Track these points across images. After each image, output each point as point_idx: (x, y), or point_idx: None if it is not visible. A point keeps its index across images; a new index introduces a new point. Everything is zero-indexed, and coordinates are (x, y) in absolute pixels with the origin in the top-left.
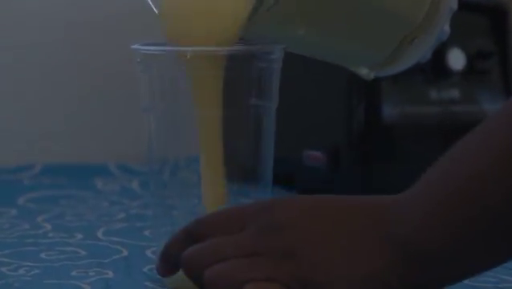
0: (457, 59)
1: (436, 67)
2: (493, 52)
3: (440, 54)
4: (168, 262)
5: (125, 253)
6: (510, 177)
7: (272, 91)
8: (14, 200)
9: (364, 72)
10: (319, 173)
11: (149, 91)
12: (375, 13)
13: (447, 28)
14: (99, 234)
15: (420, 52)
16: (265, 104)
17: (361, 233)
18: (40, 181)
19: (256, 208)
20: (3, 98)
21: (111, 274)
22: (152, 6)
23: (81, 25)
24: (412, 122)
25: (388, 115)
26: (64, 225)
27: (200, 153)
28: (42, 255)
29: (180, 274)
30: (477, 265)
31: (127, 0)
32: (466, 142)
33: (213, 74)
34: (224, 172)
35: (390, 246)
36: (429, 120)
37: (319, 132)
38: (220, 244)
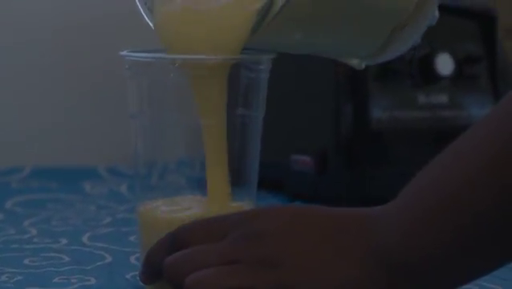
0: (445, 64)
1: (424, 71)
2: (481, 57)
3: (428, 59)
4: (151, 269)
5: (109, 259)
6: (500, 182)
7: (259, 101)
8: (1, 203)
9: (355, 62)
10: (307, 178)
11: (137, 98)
12: (369, 8)
13: (436, 13)
14: (85, 239)
15: (410, 39)
16: (251, 114)
17: (346, 243)
18: (28, 184)
19: (239, 217)
20: None
21: (93, 280)
22: (147, 20)
23: (70, 28)
24: (401, 126)
25: (376, 119)
26: (50, 229)
27: (205, 154)
28: (26, 261)
29: (163, 281)
30: (467, 272)
31: (115, 4)
32: (455, 148)
33: (202, 82)
34: (228, 172)
35: (374, 258)
36: (418, 124)
37: (307, 136)
38: (202, 251)
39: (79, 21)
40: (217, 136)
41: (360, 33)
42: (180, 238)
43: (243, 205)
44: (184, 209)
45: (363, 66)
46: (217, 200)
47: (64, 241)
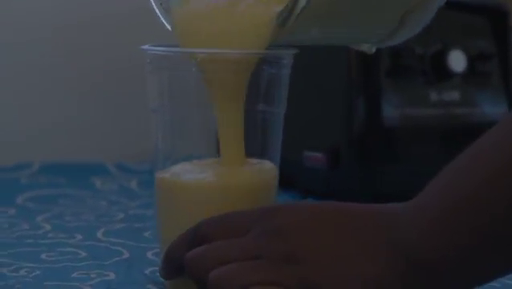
0: (458, 61)
1: (437, 68)
2: (493, 54)
3: (441, 55)
4: (172, 265)
5: (126, 254)
6: None
7: (280, 97)
8: (12, 199)
9: (366, 47)
10: (319, 174)
11: (158, 92)
12: None
13: None
14: (99, 235)
15: (420, 23)
16: (272, 110)
17: (367, 239)
18: (38, 180)
19: (261, 212)
20: (1, 96)
21: (112, 275)
22: (163, 19)
23: (79, 24)
24: (413, 124)
25: (389, 116)
26: (63, 225)
27: (217, 115)
28: (43, 256)
29: (183, 277)
30: (484, 273)
31: (116, 2)
32: (474, 149)
33: (223, 77)
34: (243, 131)
35: (395, 253)
36: (430, 121)
37: (320, 133)
38: (224, 247)
39: (89, 16)
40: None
41: (373, 20)
42: (200, 234)
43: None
44: (199, 172)
45: (374, 50)
46: (230, 161)
47: (79, 236)
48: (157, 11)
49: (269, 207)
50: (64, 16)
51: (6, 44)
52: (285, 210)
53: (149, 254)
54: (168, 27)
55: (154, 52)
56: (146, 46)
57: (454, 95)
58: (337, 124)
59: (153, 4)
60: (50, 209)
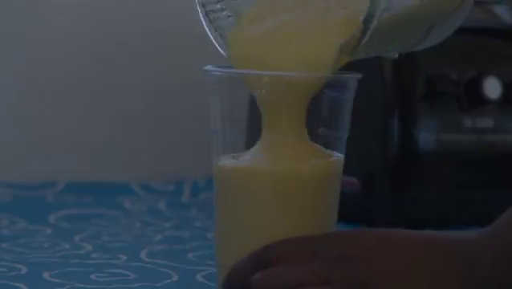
0: (492, 88)
1: (471, 95)
2: None
3: (476, 82)
4: (235, 287)
5: (175, 277)
6: None
7: (343, 122)
8: (44, 217)
9: (390, 54)
10: (354, 199)
11: (220, 114)
12: (424, 14)
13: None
14: (143, 256)
15: (442, 35)
16: (334, 134)
17: (438, 268)
18: (64, 199)
19: (329, 238)
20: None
21: None
22: (220, 48)
23: (104, 53)
24: (447, 150)
25: (423, 142)
26: (104, 245)
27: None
28: (93, 277)
29: None
30: None
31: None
32: None
33: (286, 99)
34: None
35: (468, 283)
36: (464, 148)
37: (354, 157)
38: (293, 270)
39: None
40: None
41: (411, 33)
42: (265, 257)
43: None
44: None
45: (397, 56)
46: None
47: (123, 257)
48: (212, 38)
49: (336, 233)
50: (100, 36)
51: (33, 59)
52: (354, 236)
53: (199, 277)
54: (223, 53)
55: (217, 73)
56: (209, 67)
57: (488, 122)
58: (372, 148)
59: (208, 31)
60: (84, 228)
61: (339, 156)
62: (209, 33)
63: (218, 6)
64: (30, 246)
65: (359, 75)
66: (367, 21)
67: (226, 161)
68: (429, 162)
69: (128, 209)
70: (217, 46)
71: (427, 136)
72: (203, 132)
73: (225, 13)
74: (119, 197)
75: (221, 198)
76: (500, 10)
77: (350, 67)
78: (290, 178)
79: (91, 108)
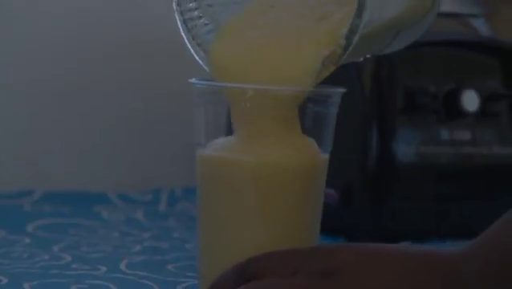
0: (470, 101)
1: (450, 107)
2: (505, 95)
3: (454, 95)
4: None
5: (157, 288)
6: None
7: (327, 135)
8: (21, 227)
9: (354, 58)
10: (333, 211)
11: (204, 126)
12: (395, 25)
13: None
14: (123, 267)
15: (409, 40)
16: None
17: (421, 283)
18: (41, 208)
19: (312, 252)
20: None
21: None
22: (198, 59)
23: (85, 60)
24: (425, 162)
25: (402, 154)
26: (83, 256)
27: None
28: (74, 288)
29: None
30: None
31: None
32: None
33: (270, 112)
34: None
35: None
36: (442, 160)
37: (332, 169)
38: (277, 284)
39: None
40: None
41: (380, 38)
42: (248, 271)
43: None
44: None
45: (362, 59)
46: None
47: (103, 268)
48: (193, 51)
49: (320, 247)
50: (82, 47)
51: (9, 68)
52: (336, 251)
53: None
54: (201, 62)
55: (201, 86)
56: (194, 80)
57: (466, 135)
58: (350, 161)
59: (188, 44)
60: (63, 238)
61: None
62: (186, 41)
63: (196, 13)
64: (10, 257)
65: (343, 90)
66: (349, 36)
67: (209, 151)
68: (408, 174)
69: (105, 219)
70: (195, 55)
71: (405, 149)
72: (180, 142)
73: (202, 20)
74: (97, 206)
75: (202, 195)
76: (478, 24)
77: (329, 78)
78: (273, 172)
79: (67, 118)
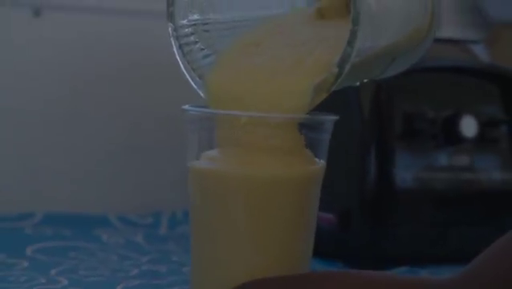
0: (469, 126)
1: (448, 133)
2: (504, 120)
3: (453, 120)
4: None
5: None
6: None
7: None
8: (21, 250)
9: (350, 83)
10: (329, 235)
11: (197, 152)
12: (390, 51)
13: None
14: None
15: (406, 65)
16: None
17: None
18: (42, 231)
19: (305, 279)
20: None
21: None
22: (193, 84)
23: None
24: (424, 187)
25: (400, 180)
26: (81, 280)
27: None
28: None
29: None
30: None
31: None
32: None
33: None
34: None
35: None
36: (440, 185)
37: (331, 194)
38: None
39: (90, 76)
40: None
41: (376, 65)
42: None
43: None
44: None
45: (358, 84)
46: None
47: None
48: (190, 79)
49: (312, 274)
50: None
51: (13, 91)
52: (329, 279)
53: None
54: (195, 86)
55: (195, 113)
56: (187, 107)
57: (464, 160)
58: (349, 185)
59: (184, 71)
60: (61, 262)
61: (322, 163)
62: (182, 66)
63: (192, 38)
64: (7, 280)
65: (336, 117)
66: (341, 64)
67: (200, 162)
68: (406, 199)
69: (105, 242)
70: (189, 80)
71: (404, 174)
72: (181, 165)
73: (198, 45)
74: (97, 229)
75: (193, 212)
76: (477, 50)
77: (328, 103)
78: (266, 184)
79: (69, 140)
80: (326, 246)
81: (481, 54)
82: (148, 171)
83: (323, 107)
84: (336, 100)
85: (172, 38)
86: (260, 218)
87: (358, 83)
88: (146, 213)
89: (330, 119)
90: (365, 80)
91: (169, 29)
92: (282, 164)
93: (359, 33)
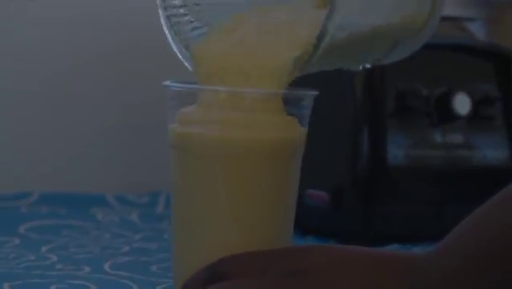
0: (462, 104)
1: (441, 110)
2: (497, 98)
3: (446, 98)
4: None
5: None
6: None
7: None
8: (14, 228)
9: (354, 67)
10: (322, 213)
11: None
12: (386, 32)
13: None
14: (107, 268)
15: (408, 51)
16: None
17: (384, 281)
18: (38, 210)
19: (281, 253)
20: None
21: None
22: (185, 62)
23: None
24: (416, 165)
25: (393, 157)
26: (70, 257)
27: None
28: (53, 288)
29: None
30: None
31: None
32: (499, 197)
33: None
34: None
35: None
36: (433, 163)
37: (324, 172)
38: (245, 285)
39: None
40: None
41: (375, 48)
42: (219, 270)
43: None
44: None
45: (360, 68)
46: None
47: (87, 269)
48: (175, 48)
49: (289, 249)
50: (74, 49)
51: (7, 74)
52: (306, 252)
53: None
54: (188, 65)
55: (176, 89)
56: (168, 82)
57: (458, 138)
58: (341, 163)
59: (167, 32)
60: (53, 239)
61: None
62: (168, 36)
63: (181, 10)
64: None
65: (316, 93)
66: (319, 38)
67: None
68: (398, 177)
69: (100, 221)
70: (177, 52)
71: (396, 151)
72: None
73: (187, 18)
74: (94, 208)
75: (175, 186)
76: (474, 27)
77: (320, 81)
78: (240, 147)
79: (66, 120)
80: (318, 224)
81: (479, 31)
82: (145, 150)
83: (316, 84)
84: (329, 79)
85: (159, 8)
86: (236, 187)
87: (360, 67)
88: (143, 192)
89: (310, 94)
90: (367, 65)
91: None
92: (258, 130)
93: (339, 6)
